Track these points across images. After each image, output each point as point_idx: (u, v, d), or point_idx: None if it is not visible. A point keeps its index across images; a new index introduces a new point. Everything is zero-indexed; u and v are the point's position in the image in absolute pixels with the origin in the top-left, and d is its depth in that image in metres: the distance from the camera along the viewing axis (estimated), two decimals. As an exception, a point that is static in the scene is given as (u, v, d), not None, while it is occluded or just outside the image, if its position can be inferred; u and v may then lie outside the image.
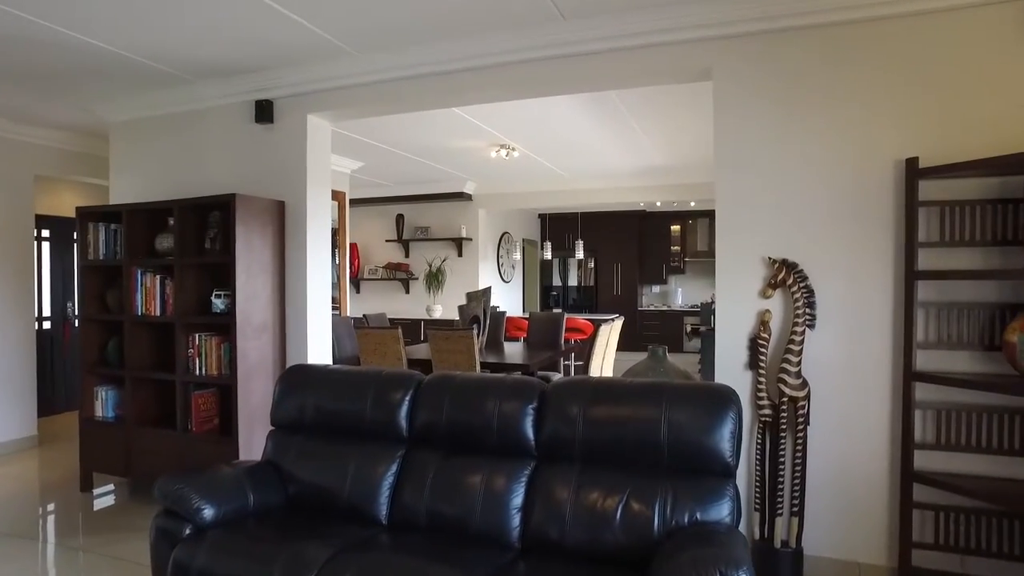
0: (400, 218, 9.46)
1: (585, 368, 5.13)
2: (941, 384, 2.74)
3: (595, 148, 6.67)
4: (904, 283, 2.83)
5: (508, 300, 10.48)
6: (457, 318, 6.88)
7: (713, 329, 7.33)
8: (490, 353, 5.85)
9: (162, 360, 4.25)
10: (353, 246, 9.65)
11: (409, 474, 2.66)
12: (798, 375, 2.97)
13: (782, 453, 3.02)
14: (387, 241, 9.58)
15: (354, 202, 9.27)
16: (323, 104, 4.11)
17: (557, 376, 6.35)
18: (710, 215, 10.94)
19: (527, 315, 8.46)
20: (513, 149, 6.40)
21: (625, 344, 11.16)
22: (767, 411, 3.06)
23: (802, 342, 2.96)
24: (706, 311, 9.23)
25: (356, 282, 9.76)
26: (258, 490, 2.66)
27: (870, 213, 2.94)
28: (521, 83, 3.64)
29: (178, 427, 3.98)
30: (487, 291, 6.03)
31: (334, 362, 5.93)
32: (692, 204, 10.41)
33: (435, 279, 8.97)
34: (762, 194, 3.12)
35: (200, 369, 3.99)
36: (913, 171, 2.77)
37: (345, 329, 6.29)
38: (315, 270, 4.20)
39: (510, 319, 8.45)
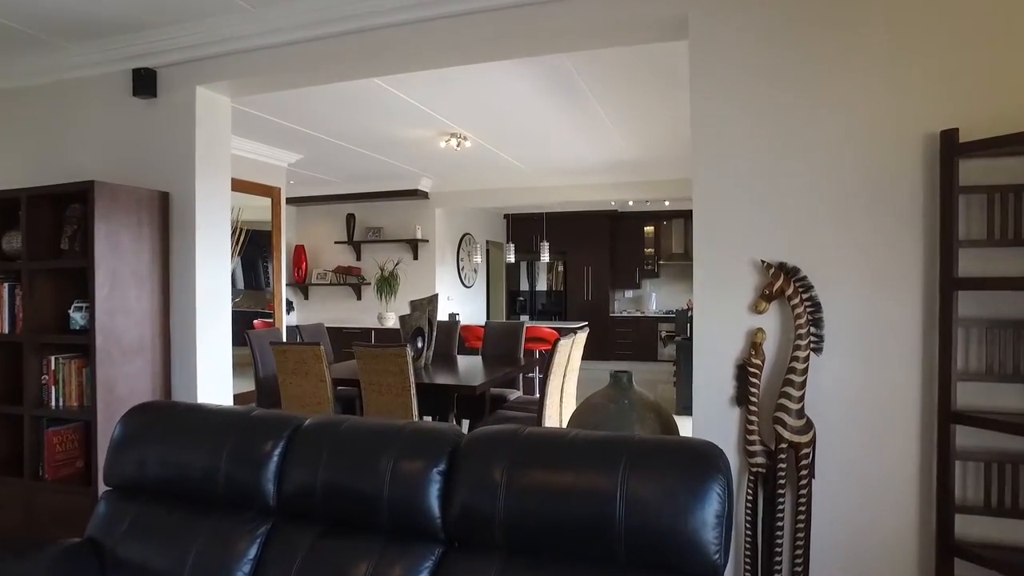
0: (351, 218, 8.69)
1: (541, 393, 4.41)
2: (988, 428, 2.06)
3: (559, 140, 5.99)
4: (939, 294, 2.15)
5: (470, 307, 9.75)
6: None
7: (689, 338, 6.68)
8: (436, 371, 5.11)
9: (13, 388, 3.44)
10: (300, 248, 8.87)
11: (273, 561, 1.91)
12: (800, 413, 2.28)
13: (780, 514, 2.32)
14: (336, 243, 8.79)
15: (300, 200, 8.55)
16: (216, 73, 3.34)
17: (515, 395, 5.63)
18: (685, 215, 10.33)
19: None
20: (464, 139, 5.68)
21: (596, 353, 10.50)
22: (760, 459, 2.36)
23: (805, 371, 2.27)
24: (682, 318, 8.60)
25: (304, 287, 8.96)
26: (56, 588, 1.90)
27: (893, 204, 2.26)
28: (452, 44, 2.92)
29: (25, 473, 3.19)
30: (433, 299, 5.29)
31: (257, 386, 5.15)
32: (666, 204, 9.78)
33: (387, 284, 8.20)
34: (752, 182, 2.43)
35: (57, 400, 3.20)
36: (951, 147, 2.10)
37: (274, 342, 5.50)
38: (207, 277, 3.42)
39: (469, 328, 7.72)
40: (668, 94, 4.58)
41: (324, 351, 4.20)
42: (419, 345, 5.20)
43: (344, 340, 8.26)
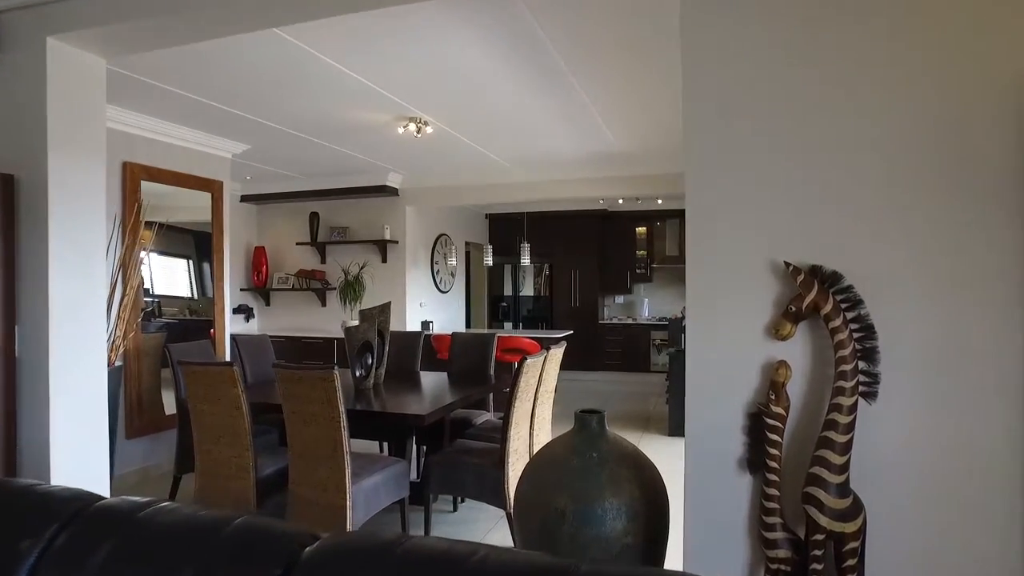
0: (314, 217, 7.94)
1: (504, 423, 3.66)
2: None
3: (536, 128, 5.25)
4: (1059, 314, 1.42)
5: (447, 314, 8.99)
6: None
7: (683, 350, 5.96)
8: (388, 393, 4.36)
9: None
10: (260, 250, 8.12)
11: None
12: (844, 489, 1.55)
13: (812, 635, 1.58)
14: (298, 244, 8.03)
15: (260, 198, 7.84)
16: (71, 20, 2.59)
17: (483, 418, 4.88)
18: (680, 215, 9.59)
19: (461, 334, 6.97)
20: (425, 124, 4.94)
21: (584, 363, 9.75)
22: (783, 552, 1.62)
23: (852, 426, 1.54)
24: (675, 327, 7.88)
25: (265, 292, 8.21)
26: None
27: (981, 178, 1.53)
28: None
29: None
30: (385, 308, 4.54)
31: (178, 410, 4.38)
32: (659, 202, 9.06)
33: (352, 289, 7.45)
34: (771, 153, 1.70)
35: None
36: (1081, 88, 1.37)
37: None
38: (68, 285, 2.67)
39: (441, 339, 6.96)
40: (660, 74, 3.86)
41: (239, 373, 3.44)
42: (369, 362, 4.45)
43: (305, 352, 7.53)
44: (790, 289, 1.64)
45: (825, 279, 1.59)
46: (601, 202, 9.39)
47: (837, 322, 1.55)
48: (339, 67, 3.77)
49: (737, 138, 1.72)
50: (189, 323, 5.74)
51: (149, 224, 5.09)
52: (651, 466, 2.13)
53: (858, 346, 1.55)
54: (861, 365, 1.55)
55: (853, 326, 1.55)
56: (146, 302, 5.55)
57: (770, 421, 1.63)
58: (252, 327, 8.14)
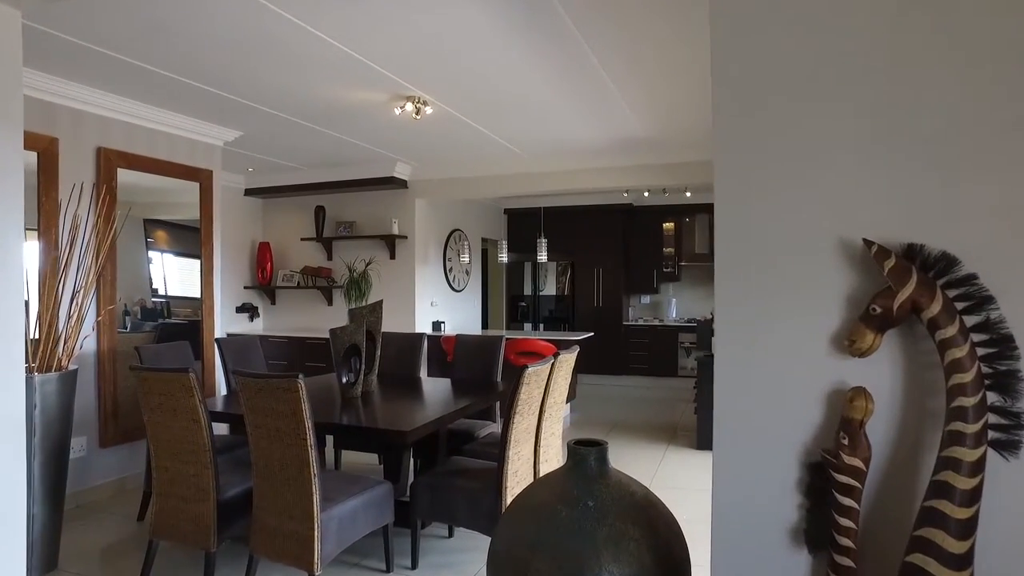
0: (320, 211, 7.51)
1: (503, 440, 3.14)
2: None
3: (551, 110, 4.72)
4: None
5: (461, 314, 8.50)
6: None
7: (713, 355, 5.39)
8: (381, 401, 3.87)
9: None
10: (265, 246, 7.73)
11: None
12: (961, 590, 1.00)
13: None
14: (303, 240, 7.62)
15: (264, 192, 7.46)
16: (-31, -40, 2.15)
17: (487, 430, 4.37)
18: (710, 209, 8.98)
19: (476, 335, 6.47)
20: (424, 103, 4.44)
21: (608, 367, 9.22)
22: (860, 675, 1.08)
23: (977, 493, 0.99)
24: (704, 330, 7.30)
25: (270, 291, 7.82)
26: None
27: None
28: None
29: None
30: (376, 308, 4.06)
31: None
32: (687, 195, 8.44)
33: (357, 287, 7.00)
34: (839, 81, 1.15)
35: None
36: None
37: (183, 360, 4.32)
38: (-32, 275, 2.23)
39: (451, 341, 6.47)
40: (691, 44, 3.33)
41: (195, 381, 2.98)
42: (357, 367, 3.97)
43: (307, 353, 7.10)
44: (872, 281, 1.09)
45: (930, 266, 1.04)
46: (625, 195, 8.81)
47: (951, 331, 1.01)
48: (317, 33, 3.28)
49: (788, 58, 1.18)
50: (199, 324, 5.37)
51: (160, 223, 4.74)
52: (668, 518, 1.58)
53: (986, 369, 1.00)
54: (991, 398, 1.00)
55: (977, 338, 1.01)
56: (154, 303, 5.22)
57: (841, 477, 1.09)
58: (257, 327, 7.77)
